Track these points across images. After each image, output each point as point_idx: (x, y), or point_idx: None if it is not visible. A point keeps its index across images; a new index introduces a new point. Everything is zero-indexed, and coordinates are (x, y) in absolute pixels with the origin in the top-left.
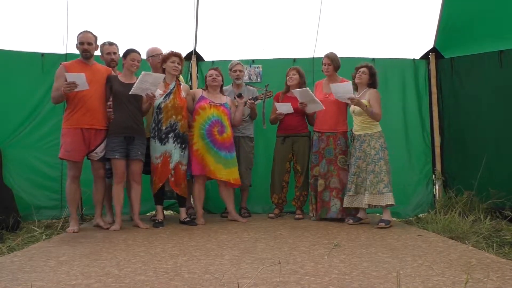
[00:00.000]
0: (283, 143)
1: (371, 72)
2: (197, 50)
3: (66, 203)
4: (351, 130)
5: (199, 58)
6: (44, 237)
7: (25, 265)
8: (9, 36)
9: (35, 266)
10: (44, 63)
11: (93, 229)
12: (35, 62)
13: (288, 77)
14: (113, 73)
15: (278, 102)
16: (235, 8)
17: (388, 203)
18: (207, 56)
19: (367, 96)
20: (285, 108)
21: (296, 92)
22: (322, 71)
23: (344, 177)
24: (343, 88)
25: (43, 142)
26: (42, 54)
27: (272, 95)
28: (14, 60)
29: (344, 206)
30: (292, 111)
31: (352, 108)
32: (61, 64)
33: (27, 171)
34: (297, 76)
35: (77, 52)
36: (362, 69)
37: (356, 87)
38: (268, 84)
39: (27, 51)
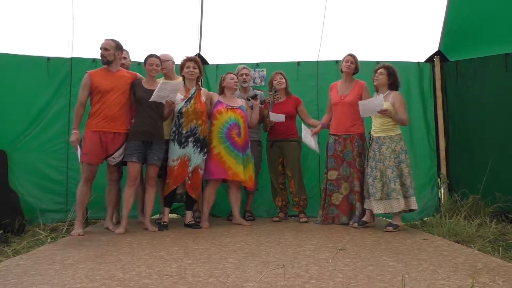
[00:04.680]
0: (271, 148)
1: (389, 72)
2: (201, 53)
3: (71, 206)
4: (369, 133)
5: (204, 62)
6: (49, 240)
7: (30, 268)
8: (15, 40)
9: (40, 269)
10: (50, 67)
11: (98, 232)
12: (41, 66)
13: (275, 81)
14: (139, 76)
15: (266, 108)
16: (239, 12)
17: (412, 207)
18: (211, 60)
19: (391, 99)
20: (277, 118)
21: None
22: (341, 69)
23: (362, 179)
24: (375, 102)
25: (48, 146)
26: (48, 58)
27: (280, 98)
28: (20, 64)
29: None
30: (284, 121)
31: None
32: (86, 72)
33: (32, 174)
34: (284, 80)
35: (83, 56)
36: (379, 70)
37: (376, 89)
38: (275, 87)
39: (32, 55)
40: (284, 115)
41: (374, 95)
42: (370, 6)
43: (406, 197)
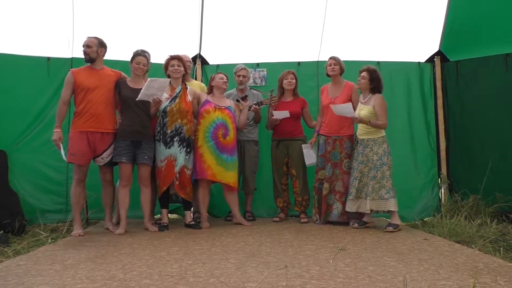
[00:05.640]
0: (277, 147)
1: (372, 77)
2: (202, 53)
3: (71, 206)
4: (356, 134)
5: (204, 62)
6: (49, 240)
7: (30, 268)
8: (15, 40)
9: (41, 270)
10: (50, 68)
11: (98, 233)
12: (41, 67)
13: (286, 81)
14: (123, 75)
15: (272, 107)
16: (239, 12)
17: (391, 209)
18: (212, 60)
19: (372, 103)
20: (281, 115)
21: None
22: (327, 73)
23: (348, 181)
24: (345, 109)
25: (48, 146)
26: (48, 59)
27: (277, 101)
28: (20, 64)
29: (346, 210)
30: (289, 116)
31: (357, 112)
32: (70, 70)
33: (32, 175)
34: (294, 80)
35: (83, 56)
36: (363, 73)
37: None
38: (273, 90)
39: (32, 55)
40: (288, 111)
41: (359, 97)
42: (370, 6)
43: (385, 199)
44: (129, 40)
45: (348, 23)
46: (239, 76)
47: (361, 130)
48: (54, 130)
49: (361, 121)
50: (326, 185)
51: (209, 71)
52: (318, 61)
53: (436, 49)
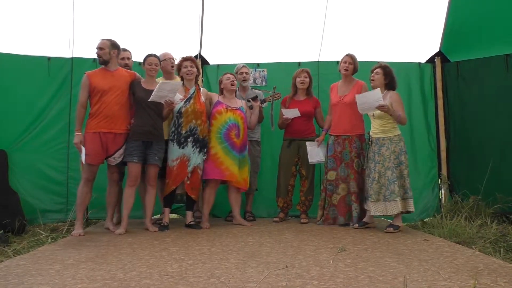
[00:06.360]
0: (289, 147)
1: (386, 72)
2: (202, 54)
3: (71, 206)
4: (369, 133)
5: (204, 62)
6: (49, 240)
7: (30, 268)
8: (16, 40)
9: (41, 270)
10: (50, 67)
11: (99, 233)
12: (42, 66)
13: (299, 79)
14: (138, 76)
15: (285, 106)
16: (240, 12)
17: (410, 210)
18: (212, 60)
19: (388, 100)
20: (291, 113)
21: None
22: (339, 70)
23: (360, 180)
24: (373, 96)
25: (49, 146)
26: (49, 58)
27: (280, 97)
28: (21, 64)
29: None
30: (299, 115)
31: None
32: (85, 73)
33: (33, 174)
34: (308, 79)
35: (83, 56)
36: (376, 70)
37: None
38: (275, 86)
39: (33, 55)
40: (297, 109)
41: None
42: (371, 7)
43: (404, 199)
44: (129, 40)
45: (349, 24)
46: (241, 73)
47: (375, 129)
48: (75, 134)
49: (388, 110)
50: (343, 185)
51: (210, 71)
52: (318, 61)
53: (436, 49)
